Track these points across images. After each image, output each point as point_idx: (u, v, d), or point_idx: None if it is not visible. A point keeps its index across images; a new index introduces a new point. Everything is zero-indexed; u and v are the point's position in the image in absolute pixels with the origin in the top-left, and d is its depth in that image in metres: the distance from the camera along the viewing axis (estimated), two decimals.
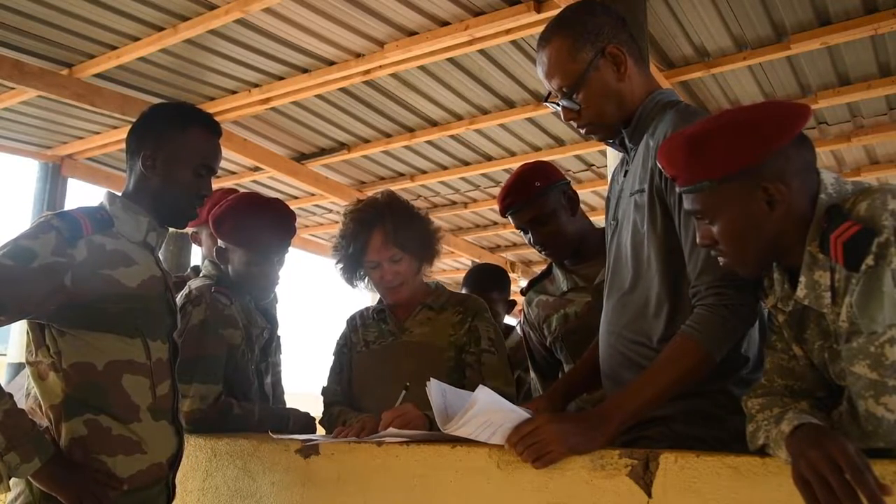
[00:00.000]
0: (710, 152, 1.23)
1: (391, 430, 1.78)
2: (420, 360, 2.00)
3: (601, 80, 1.59)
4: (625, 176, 1.68)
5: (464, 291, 3.00)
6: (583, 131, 1.68)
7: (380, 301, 2.21)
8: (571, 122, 1.66)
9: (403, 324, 2.12)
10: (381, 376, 2.04)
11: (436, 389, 1.52)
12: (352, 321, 2.23)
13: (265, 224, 2.24)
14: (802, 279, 1.22)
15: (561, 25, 1.62)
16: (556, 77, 1.61)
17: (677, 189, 1.34)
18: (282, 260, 2.34)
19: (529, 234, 2.23)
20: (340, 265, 2.14)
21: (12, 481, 1.51)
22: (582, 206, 2.31)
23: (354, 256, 2.08)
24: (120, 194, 1.71)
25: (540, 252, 2.26)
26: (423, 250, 2.11)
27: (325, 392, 2.17)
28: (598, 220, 2.30)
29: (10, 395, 1.43)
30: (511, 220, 2.27)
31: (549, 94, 1.69)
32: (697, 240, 1.34)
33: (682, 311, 1.50)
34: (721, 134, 1.24)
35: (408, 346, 2.07)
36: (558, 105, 1.64)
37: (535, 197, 2.15)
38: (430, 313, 2.11)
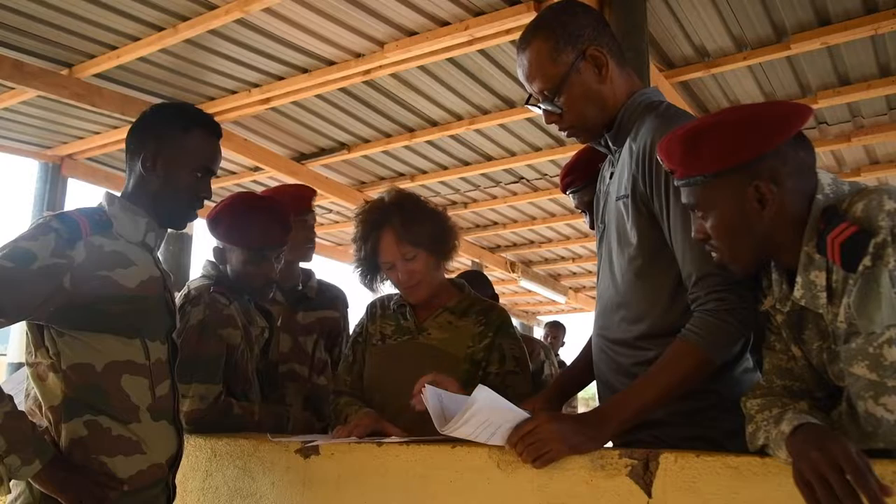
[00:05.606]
0: (705, 147, 1.24)
1: (392, 428, 1.78)
2: (434, 365, 1.93)
3: (583, 83, 1.57)
4: (611, 177, 1.67)
5: None
6: (564, 134, 1.66)
7: None
8: (553, 125, 1.64)
9: (423, 323, 2.06)
10: (394, 376, 2.00)
11: (432, 394, 1.51)
12: (371, 309, 2.18)
13: (261, 223, 2.24)
14: (799, 279, 1.22)
15: (541, 27, 1.59)
16: (537, 80, 1.59)
17: (675, 182, 1.34)
18: (280, 258, 2.33)
19: (587, 216, 2.20)
20: (358, 269, 2.10)
21: (12, 483, 1.51)
22: None
23: (369, 259, 2.04)
24: (119, 195, 1.71)
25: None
26: (438, 245, 2.03)
27: (335, 380, 2.15)
28: None
29: (11, 398, 1.43)
30: (572, 199, 2.25)
31: (530, 96, 1.67)
32: (693, 233, 1.34)
33: (666, 316, 1.51)
34: (718, 130, 1.25)
35: (423, 348, 2.02)
36: (540, 108, 1.62)
37: (597, 177, 2.08)
38: (451, 317, 2.05)
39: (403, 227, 1.97)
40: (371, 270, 2.09)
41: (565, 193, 2.26)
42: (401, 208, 2.01)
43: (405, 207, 2.02)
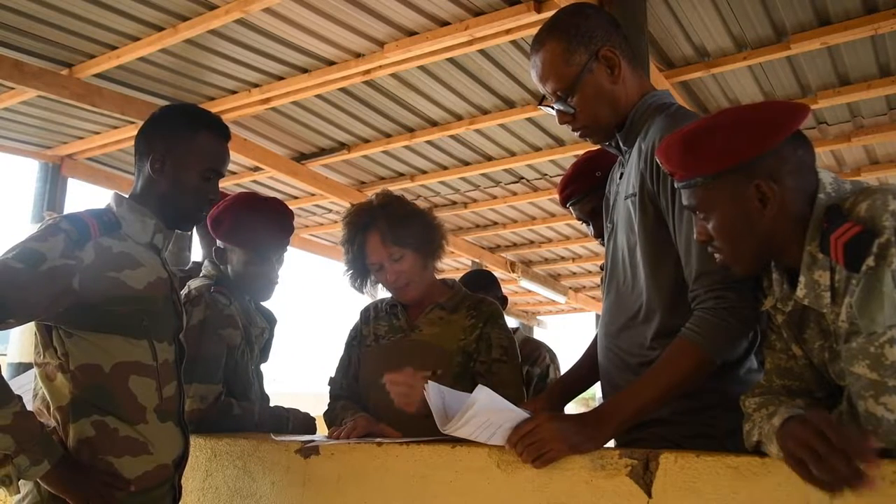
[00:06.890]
0: (703, 149, 1.25)
1: (388, 429, 1.78)
2: (427, 360, 1.97)
3: (595, 84, 1.59)
4: (620, 178, 1.69)
5: None
6: (577, 134, 1.67)
7: None
8: (566, 125, 1.66)
9: (415, 321, 2.09)
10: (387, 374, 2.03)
11: (434, 391, 1.52)
12: (365, 312, 2.21)
13: (263, 224, 2.24)
14: (802, 279, 1.23)
15: (554, 29, 1.61)
16: (551, 81, 1.61)
17: (676, 184, 1.35)
18: (281, 259, 2.34)
19: (591, 226, 2.18)
20: (349, 272, 2.13)
21: (20, 483, 1.51)
22: None
23: (358, 261, 2.07)
24: (127, 196, 1.71)
25: (603, 245, 2.23)
26: (425, 245, 2.06)
27: (331, 384, 2.16)
28: None
29: (19, 398, 1.43)
30: (571, 212, 2.23)
31: (544, 97, 1.69)
32: (695, 235, 1.35)
33: (673, 316, 1.51)
34: (715, 131, 1.25)
35: (416, 344, 2.04)
36: (553, 108, 1.64)
37: (596, 187, 2.07)
38: (443, 313, 2.08)
39: (389, 228, 1.99)
40: (361, 273, 2.11)
41: (565, 207, 2.24)
42: (386, 210, 2.03)
43: (390, 209, 2.04)
